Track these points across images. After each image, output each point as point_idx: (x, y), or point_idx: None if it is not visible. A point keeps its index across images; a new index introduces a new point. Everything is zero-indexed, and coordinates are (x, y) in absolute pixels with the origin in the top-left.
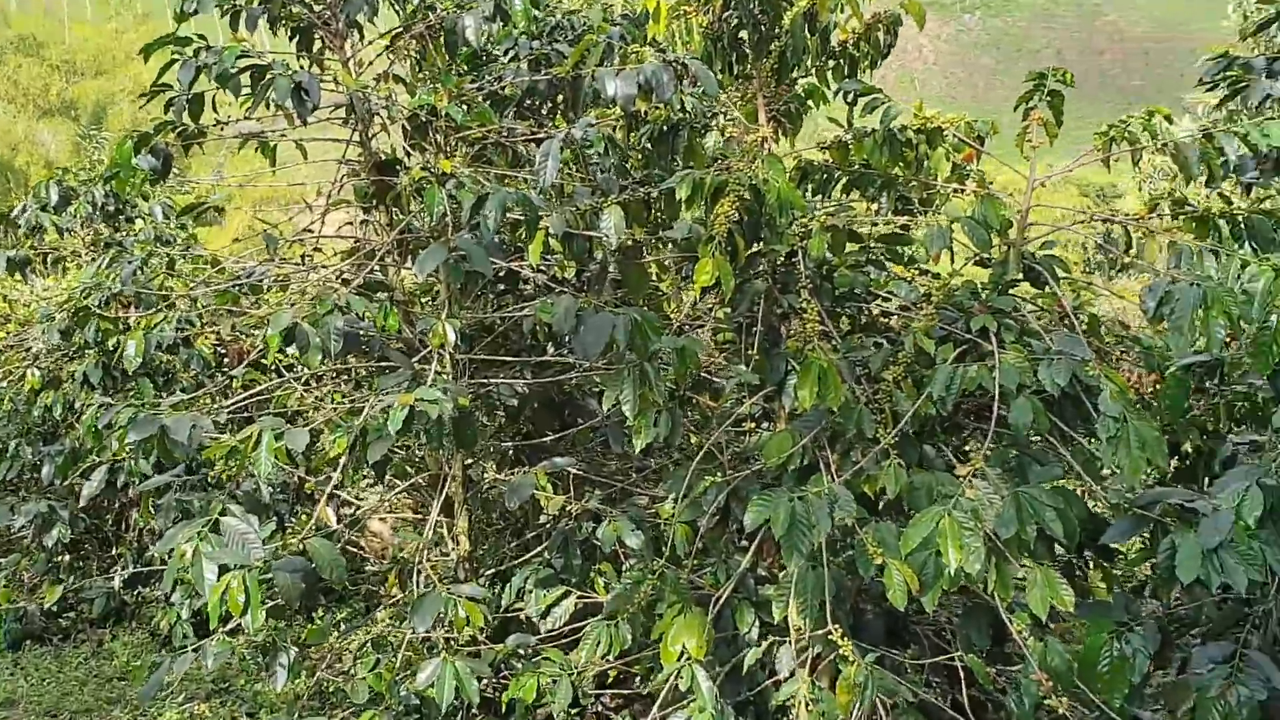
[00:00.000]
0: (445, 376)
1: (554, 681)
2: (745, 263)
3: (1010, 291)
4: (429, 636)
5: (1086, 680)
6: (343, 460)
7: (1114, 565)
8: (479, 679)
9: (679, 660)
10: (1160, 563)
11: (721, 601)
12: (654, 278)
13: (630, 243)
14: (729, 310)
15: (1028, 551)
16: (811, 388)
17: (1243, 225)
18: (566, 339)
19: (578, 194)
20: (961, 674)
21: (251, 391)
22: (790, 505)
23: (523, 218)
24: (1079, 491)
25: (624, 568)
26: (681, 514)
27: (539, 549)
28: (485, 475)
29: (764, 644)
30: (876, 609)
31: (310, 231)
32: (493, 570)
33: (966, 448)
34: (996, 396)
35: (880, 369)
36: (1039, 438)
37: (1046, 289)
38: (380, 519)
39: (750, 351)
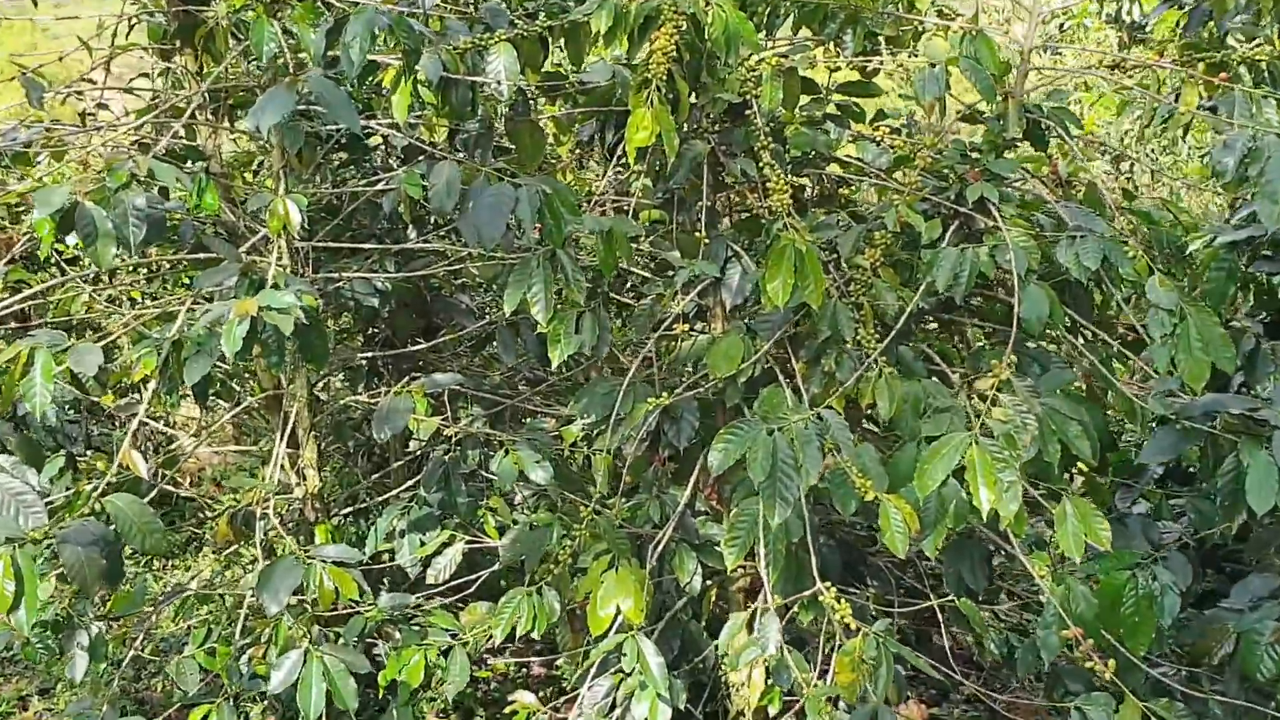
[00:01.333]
0: (285, 270)
1: (445, 656)
2: (684, 119)
3: (1011, 153)
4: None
5: (1107, 624)
6: (151, 384)
7: (1142, 488)
8: (355, 675)
9: (612, 626)
10: (1222, 487)
11: (660, 547)
12: (551, 141)
13: (521, 94)
14: (652, 181)
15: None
16: (786, 279)
17: (1267, 72)
18: (444, 220)
19: (451, 29)
20: (941, 618)
21: (19, 296)
22: (770, 441)
23: (385, 55)
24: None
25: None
26: (606, 439)
27: (410, 483)
28: (334, 391)
29: (709, 595)
30: (830, 540)
31: (91, 81)
32: (349, 510)
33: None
34: (1017, 285)
35: (851, 252)
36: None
37: (1050, 150)
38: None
39: (694, 233)
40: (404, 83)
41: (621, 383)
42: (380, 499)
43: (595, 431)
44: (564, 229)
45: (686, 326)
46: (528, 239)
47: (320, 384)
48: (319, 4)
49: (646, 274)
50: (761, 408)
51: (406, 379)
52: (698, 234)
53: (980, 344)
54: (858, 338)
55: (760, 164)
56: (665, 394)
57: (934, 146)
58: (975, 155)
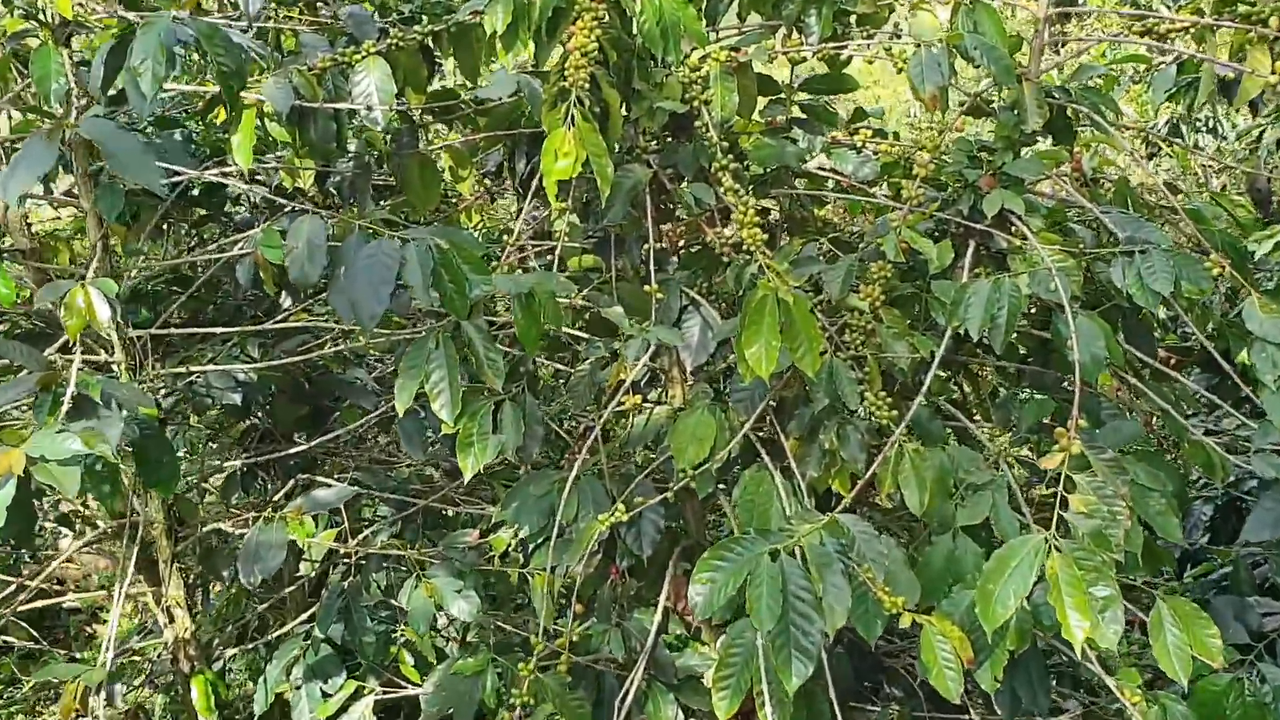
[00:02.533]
0: (117, 369)
1: None
2: (618, 138)
3: (1030, 150)
4: None
5: None
6: None
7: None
8: None
9: None
10: None
11: (629, 696)
12: (448, 177)
13: (405, 120)
14: (581, 218)
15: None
16: (770, 340)
17: None
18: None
19: (307, 46)
20: None
21: None
22: (776, 570)
23: (217, 83)
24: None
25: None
26: (546, 553)
27: (306, 615)
28: (204, 506)
29: None
30: (837, 643)
31: None
32: (234, 649)
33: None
34: (1071, 321)
35: (843, 292)
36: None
37: (1082, 142)
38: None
39: (638, 279)
40: (238, 118)
41: (562, 478)
42: (277, 632)
43: (533, 544)
44: (468, 294)
45: (638, 398)
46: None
47: (184, 502)
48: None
49: (581, 334)
50: (745, 499)
51: (294, 483)
52: (644, 282)
53: (1005, 390)
54: (865, 404)
55: (719, 188)
56: (619, 505)
57: (936, 149)
58: (986, 156)
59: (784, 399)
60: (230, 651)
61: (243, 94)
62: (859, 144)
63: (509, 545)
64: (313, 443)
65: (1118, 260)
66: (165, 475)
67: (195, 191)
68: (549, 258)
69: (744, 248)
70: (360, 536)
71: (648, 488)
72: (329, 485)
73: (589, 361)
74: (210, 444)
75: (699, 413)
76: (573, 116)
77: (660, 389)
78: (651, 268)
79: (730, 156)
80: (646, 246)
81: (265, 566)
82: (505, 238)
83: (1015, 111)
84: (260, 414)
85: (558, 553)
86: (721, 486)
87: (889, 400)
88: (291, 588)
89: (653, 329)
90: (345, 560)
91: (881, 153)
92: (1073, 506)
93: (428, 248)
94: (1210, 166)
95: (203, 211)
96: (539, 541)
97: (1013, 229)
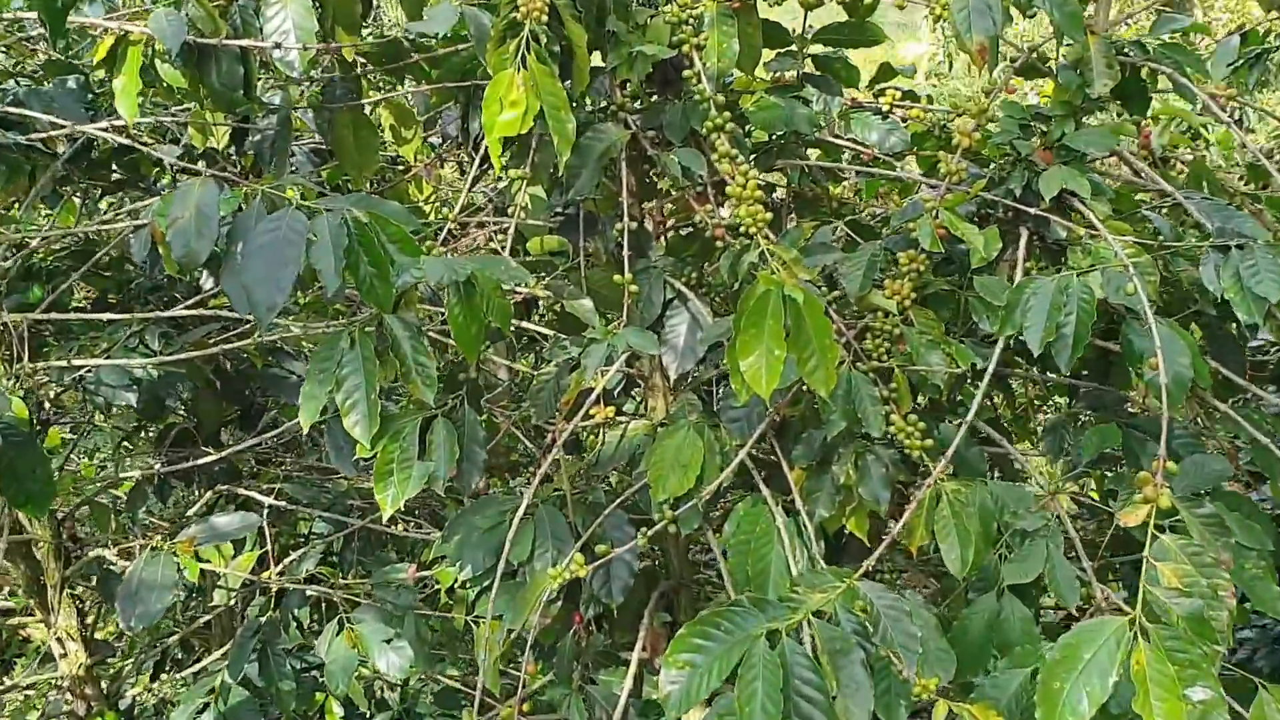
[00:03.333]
0: None
1: None
2: (584, 88)
3: (1091, 119)
4: None
5: None
6: None
7: None
8: None
9: None
10: None
11: None
12: (386, 136)
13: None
14: (546, 190)
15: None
16: (772, 349)
17: None
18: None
19: None
20: None
21: None
22: (775, 660)
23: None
24: None
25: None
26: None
27: (220, 652)
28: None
29: None
30: None
31: None
32: (137, 689)
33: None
34: (1155, 328)
35: (863, 288)
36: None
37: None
38: None
39: (611, 266)
40: (121, 58)
41: (514, 506)
42: (192, 668)
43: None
44: (393, 281)
45: (610, 410)
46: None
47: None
48: None
49: (546, 330)
50: (739, 540)
51: (215, 494)
52: (620, 269)
53: (1044, 404)
54: (889, 429)
55: (712, 155)
56: (575, 554)
57: (982, 113)
58: (1041, 126)
59: (788, 417)
60: (133, 691)
61: (126, 27)
62: (884, 108)
63: (455, 581)
64: (235, 449)
65: (1208, 257)
66: (36, 492)
67: (95, 153)
68: (501, 238)
69: (741, 230)
70: (284, 562)
71: (620, 520)
72: (254, 499)
73: (555, 364)
74: (126, 445)
75: (683, 432)
76: (523, 56)
77: (638, 398)
78: (628, 253)
79: (727, 115)
80: (621, 226)
81: (147, 611)
82: (447, 212)
83: (1079, 71)
84: (184, 412)
85: (506, 598)
86: (716, 512)
87: (921, 425)
88: (217, 609)
89: (623, 333)
90: (268, 587)
91: (913, 119)
92: (1163, 578)
93: (342, 221)
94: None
95: (118, 176)
96: (485, 584)
97: (1074, 215)
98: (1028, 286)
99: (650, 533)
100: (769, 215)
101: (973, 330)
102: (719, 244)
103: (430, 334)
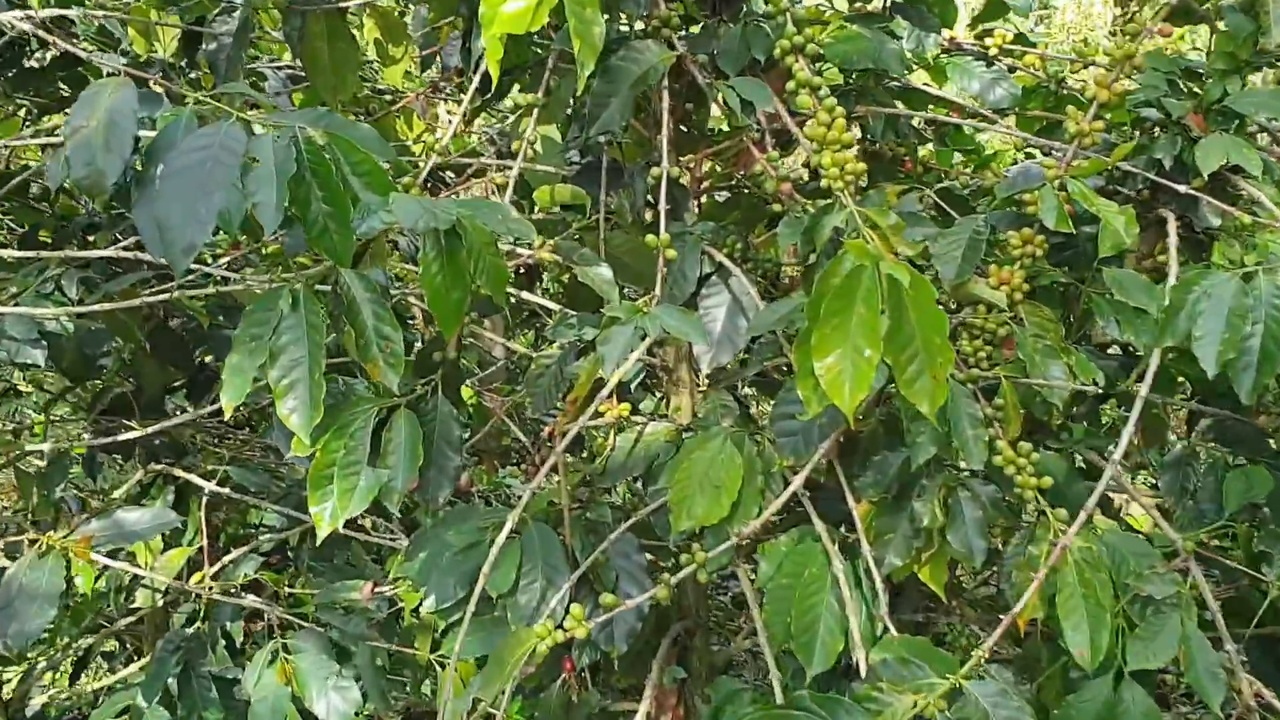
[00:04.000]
0: None
1: None
2: None
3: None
4: None
5: None
6: None
7: None
8: None
9: None
10: None
11: None
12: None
13: None
14: (563, 130)
15: None
16: (861, 345)
17: None
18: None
19: None
20: None
21: None
22: None
23: None
24: None
25: None
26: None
27: (135, 667)
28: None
29: None
30: None
31: None
32: (44, 697)
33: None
34: None
35: (962, 274)
36: None
37: None
38: None
39: (638, 227)
40: None
41: (496, 521)
42: (125, 669)
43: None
44: (354, 226)
45: (625, 407)
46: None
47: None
48: None
49: (548, 304)
50: (779, 584)
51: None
52: (648, 231)
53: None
54: (992, 457)
55: (789, 90)
56: (573, 609)
57: (1127, 59)
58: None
59: (853, 437)
60: (37, 700)
61: None
62: (990, 52)
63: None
64: (171, 422)
65: None
66: None
67: (33, 62)
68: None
69: (822, 182)
70: (221, 563)
71: (629, 546)
72: (193, 483)
73: (559, 345)
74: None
75: (717, 442)
76: None
77: (658, 394)
78: (664, 206)
79: (809, 33)
80: (657, 173)
81: (22, 630)
82: (428, 140)
83: (1251, 15)
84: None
85: (480, 637)
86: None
87: (1034, 457)
88: (140, 612)
89: (657, 312)
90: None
91: (1027, 67)
92: None
93: (292, 141)
94: None
95: (65, 91)
96: (454, 617)
97: (1233, 197)
98: (1196, 284)
99: (675, 580)
100: (862, 166)
101: (1085, 336)
102: (778, 205)
103: (411, 300)
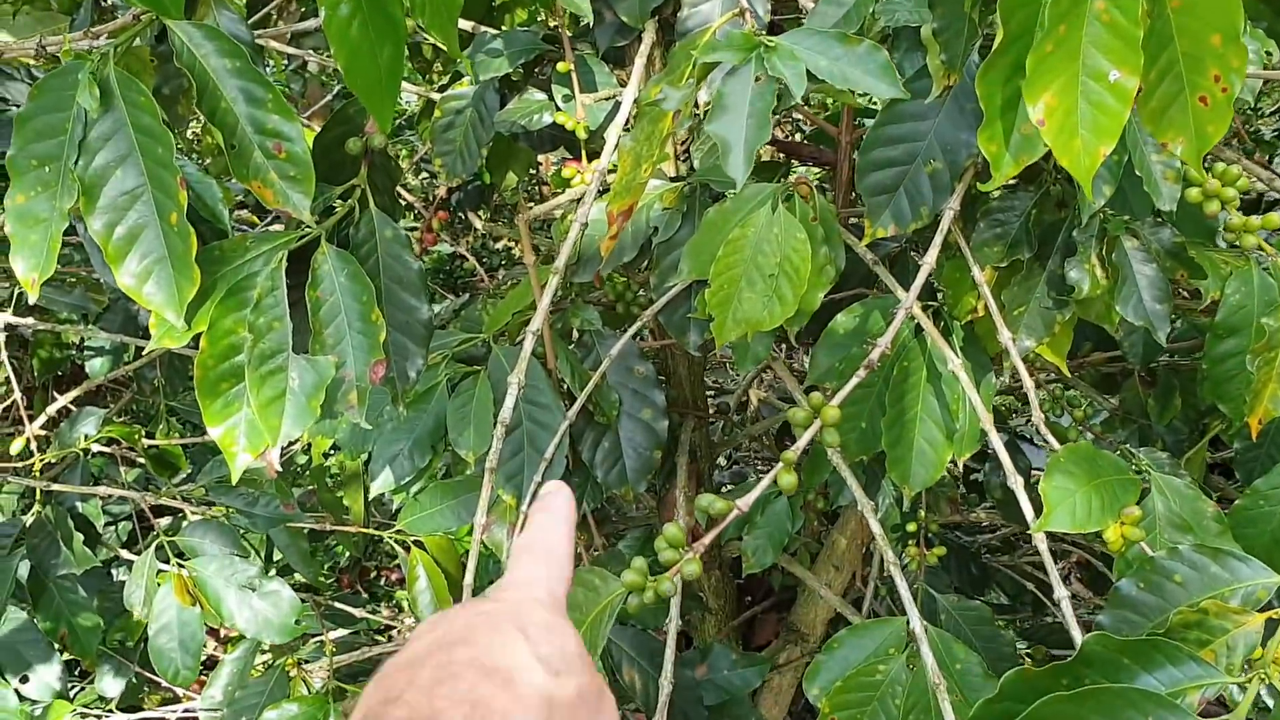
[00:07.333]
0: None
1: None
2: None
3: None
4: None
5: None
6: None
7: None
8: None
9: None
10: None
11: None
12: None
13: None
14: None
15: None
16: (1101, 71)
17: None
18: None
19: None
20: None
21: None
22: None
23: None
24: None
25: None
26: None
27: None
28: None
29: None
30: None
31: None
32: None
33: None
34: None
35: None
36: None
37: None
38: None
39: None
40: None
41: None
42: None
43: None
44: None
45: (592, 168)
46: None
47: None
48: None
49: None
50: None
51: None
52: None
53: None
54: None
55: None
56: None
57: None
58: None
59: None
60: None
61: None
62: None
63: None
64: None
65: None
66: None
67: None
68: None
69: None
70: (42, 416)
71: (632, 355)
72: None
73: (481, 79)
74: None
75: (764, 210)
76: None
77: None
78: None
79: None
80: None
81: None
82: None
83: None
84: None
85: (451, 508)
86: None
87: (1240, 179)
88: None
89: (790, 42)
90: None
91: None
92: None
93: None
94: None
95: None
96: (416, 488)
97: None
98: None
99: (796, 455)
100: None
101: None
102: None
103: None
